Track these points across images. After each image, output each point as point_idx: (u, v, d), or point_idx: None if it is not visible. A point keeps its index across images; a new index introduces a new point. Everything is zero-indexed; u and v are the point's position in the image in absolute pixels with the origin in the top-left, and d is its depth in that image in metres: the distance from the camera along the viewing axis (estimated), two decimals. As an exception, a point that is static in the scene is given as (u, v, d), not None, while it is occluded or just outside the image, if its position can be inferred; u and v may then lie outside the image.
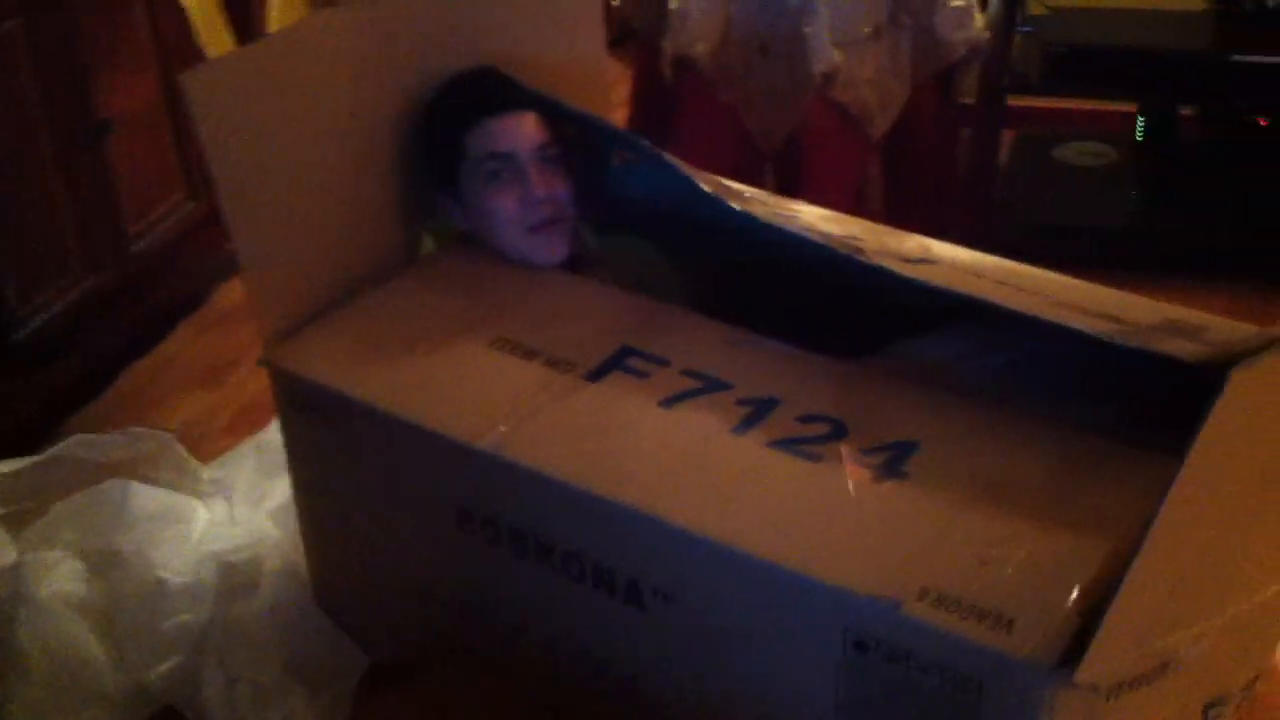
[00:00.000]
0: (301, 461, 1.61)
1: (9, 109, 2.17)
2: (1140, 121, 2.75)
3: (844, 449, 1.35)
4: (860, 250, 1.53)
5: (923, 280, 1.46)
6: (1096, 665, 1.10)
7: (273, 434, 1.85)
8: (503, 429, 1.40)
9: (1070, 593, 1.16)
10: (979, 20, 2.59)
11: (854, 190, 2.64)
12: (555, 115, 1.73)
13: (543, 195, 1.67)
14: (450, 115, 1.70)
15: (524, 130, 1.68)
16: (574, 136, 1.81)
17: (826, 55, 2.48)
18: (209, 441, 2.18)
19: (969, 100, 2.84)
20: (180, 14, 2.48)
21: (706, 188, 1.62)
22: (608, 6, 1.99)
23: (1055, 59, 2.56)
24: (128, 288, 2.43)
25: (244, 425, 2.17)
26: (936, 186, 2.78)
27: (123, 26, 2.39)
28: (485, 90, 1.71)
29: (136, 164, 2.45)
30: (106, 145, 2.35)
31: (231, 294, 2.69)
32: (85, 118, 2.31)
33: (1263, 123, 2.68)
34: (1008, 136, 3.02)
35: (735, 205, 1.60)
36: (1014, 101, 2.83)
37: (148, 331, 2.59)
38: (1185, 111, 2.86)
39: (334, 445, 1.53)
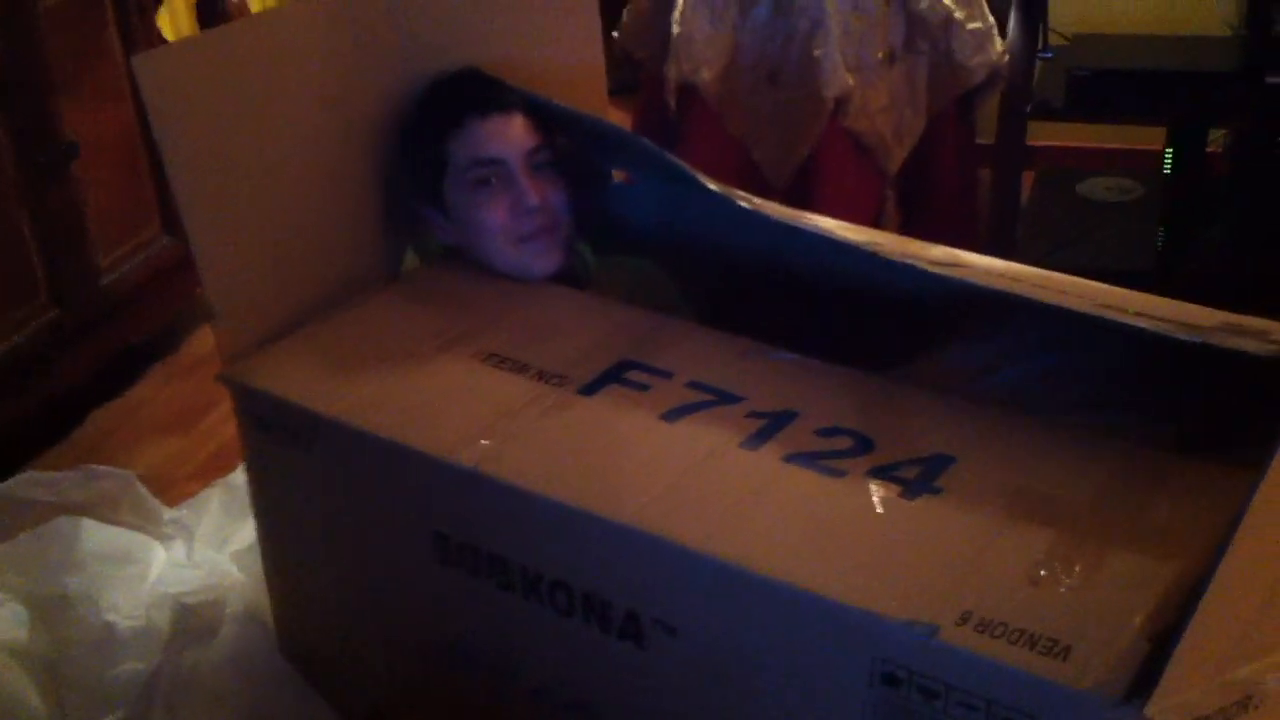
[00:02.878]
0: (266, 490, 1.47)
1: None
2: (1168, 154, 2.63)
3: (869, 464, 1.20)
4: (882, 252, 1.39)
5: (955, 277, 1.32)
6: (1170, 697, 0.95)
7: (242, 475, 1.73)
8: (485, 444, 1.26)
9: (1134, 617, 1.02)
10: (998, 44, 2.48)
11: (869, 226, 2.51)
12: (547, 118, 1.60)
13: (535, 203, 1.54)
14: (433, 119, 1.58)
15: (513, 132, 1.56)
16: (569, 147, 1.68)
17: (839, 79, 2.36)
18: (175, 487, 2.06)
19: (987, 141, 2.73)
20: (159, 42, 2.39)
21: (714, 187, 1.49)
22: (608, 50, 1.87)
23: (1079, 83, 2.45)
24: (96, 325, 2.31)
25: (214, 471, 2.04)
26: (955, 224, 2.65)
27: (93, 51, 2.30)
28: (470, 91, 1.59)
29: (107, 194, 2.34)
30: (73, 170, 2.23)
31: (207, 341, 2.56)
32: (51, 140, 2.20)
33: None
34: (1029, 178, 2.91)
35: (745, 204, 1.46)
36: (1035, 140, 2.73)
37: (116, 374, 2.46)
38: (1212, 148, 2.75)
39: (301, 470, 1.39)
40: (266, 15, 1.44)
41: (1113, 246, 2.68)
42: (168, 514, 1.75)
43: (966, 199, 2.73)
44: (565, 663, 1.28)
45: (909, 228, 2.60)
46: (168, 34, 2.46)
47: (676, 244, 1.73)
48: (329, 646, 1.50)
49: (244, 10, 2.60)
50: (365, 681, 1.48)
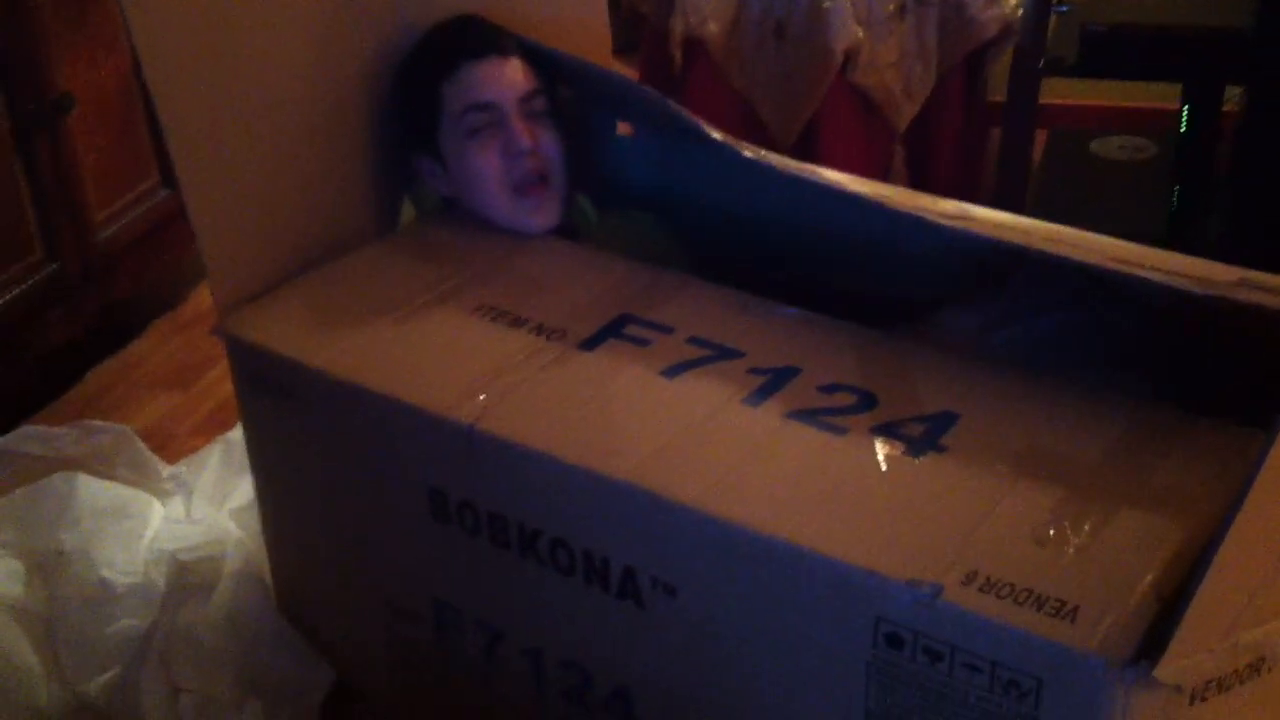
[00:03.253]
0: (261, 446, 1.45)
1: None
2: (1184, 111, 2.57)
3: (872, 421, 1.17)
4: (890, 204, 1.36)
5: (965, 229, 1.28)
6: (1179, 660, 0.93)
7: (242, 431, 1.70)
8: (482, 399, 1.23)
9: (1143, 577, 1.00)
10: (1010, -1, 2.44)
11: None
12: (547, 66, 1.57)
13: (527, 146, 1.50)
14: (427, 64, 1.55)
15: (507, 76, 1.52)
16: (570, 97, 1.65)
17: (848, 31, 2.31)
18: (175, 443, 2.03)
19: (998, 99, 2.68)
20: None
21: (718, 137, 1.46)
22: (613, 7, 1.83)
23: (1094, 39, 2.39)
24: (93, 280, 2.27)
25: (214, 427, 2.02)
26: (964, 183, 2.61)
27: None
28: (466, 35, 1.55)
29: (103, 146, 2.30)
30: (68, 122, 2.19)
31: (208, 296, 2.51)
32: (44, 92, 2.16)
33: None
34: (1041, 137, 2.86)
35: (750, 155, 1.43)
36: (1046, 98, 2.67)
37: (114, 330, 2.42)
38: (1229, 107, 2.69)
39: (295, 425, 1.37)
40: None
41: (1125, 206, 2.64)
42: (167, 470, 1.72)
43: (976, 157, 2.68)
44: (561, 623, 1.25)
45: (917, 186, 2.56)
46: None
47: (679, 199, 1.70)
48: (325, 603, 1.48)
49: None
50: (361, 638, 1.45)
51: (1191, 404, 1.20)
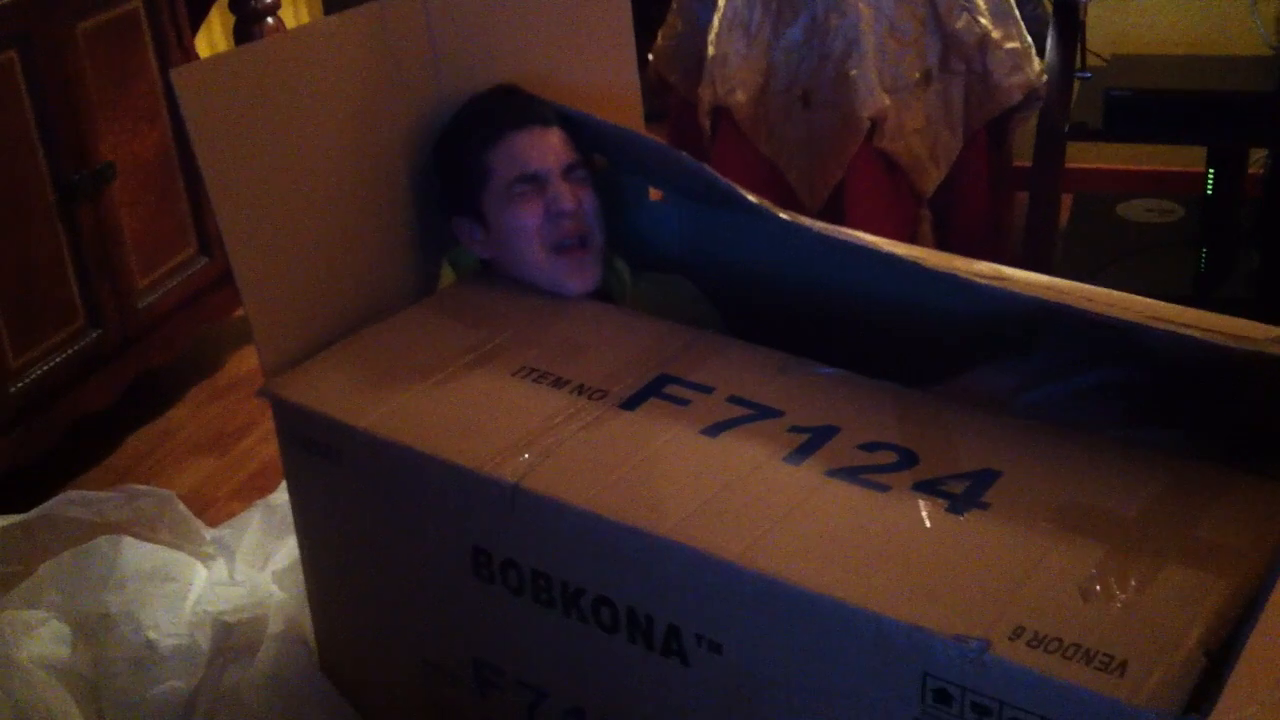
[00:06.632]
0: (306, 506, 1.46)
1: (5, 146, 2.07)
2: (1209, 174, 2.60)
3: (913, 478, 1.18)
4: (925, 265, 1.38)
5: (1000, 288, 1.30)
6: (1229, 714, 0.93)
7: (282, 495, 1.73)
8: (525, 458, 1.25)
9: (1190, 631, 1.00)
10: (1035, 64, 2.46)
11: (904, 248, 2.49)
12: (584, 134, 1.60)
13: (570, 208, 1.54)
14: (472, 132, 1.58)
15: (551, 146, 1.56)
16: (605, 165, 1.68)
17: (874, 99, 2.35)
18: (214, 508, 2.05)
19: (1024, 163, 2.71)
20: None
21: (754, 200, 1.48)
22: (641, 76, 1.87)
23: (1117, 104, 2.42)
24: (134, 347, 2.30)
25: (252, 492, 2.04)
26: (989, 247, 2.63)
27: (129, 73, 2.31)
28: (507, 105, 1.59)
29: (144, 215, 2.34)
30: (110, 192, 2.24)
31: (247, 361, 2.56)
32: (88, 162, 2.21)
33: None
34: (1066, 201, 2.89)
35: (784, 217, 1.45)
36: (1072, 163, 2.70)
37: (153, 396, 2.46)
38: (1254, 169, 2.72)
39: (339, 485, 1.38)
40: (303, 30, 1.45)
41: (1153, 269, 2.65)
42: (208, 533, 1.74)
43: (1002, 221, 2.70)
44: (605, 682, 1.26)
45: (943, 250, 2.57)
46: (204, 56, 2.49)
47: (712, 262, 1.72)
48: (367, 663, 1.48)
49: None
50: (403, 698, 1.46)
51: (1229, 459, 1.20)
